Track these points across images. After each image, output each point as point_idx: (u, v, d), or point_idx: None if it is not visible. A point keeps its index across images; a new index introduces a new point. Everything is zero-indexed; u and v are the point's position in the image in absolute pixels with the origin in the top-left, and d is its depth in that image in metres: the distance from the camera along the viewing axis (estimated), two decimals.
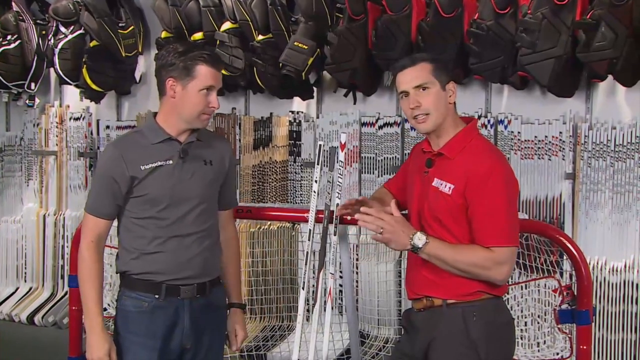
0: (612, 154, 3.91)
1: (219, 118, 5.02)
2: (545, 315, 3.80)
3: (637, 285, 3.85)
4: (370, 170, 4.64)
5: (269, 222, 4.69)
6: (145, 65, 5.55)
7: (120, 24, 5.20)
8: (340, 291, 4.18)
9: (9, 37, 5.39)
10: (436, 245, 2.32)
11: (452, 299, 2.37)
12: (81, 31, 5.21)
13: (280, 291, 4.67)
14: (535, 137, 4.09)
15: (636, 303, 3.84)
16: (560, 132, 4.02)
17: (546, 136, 4.06)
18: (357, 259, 4.47)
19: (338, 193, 2.99)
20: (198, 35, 4.86)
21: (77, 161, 5.67)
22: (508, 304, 3.75)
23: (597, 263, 3.93)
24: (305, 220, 3.10)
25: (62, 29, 5.23)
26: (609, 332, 3.89)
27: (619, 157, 3.89)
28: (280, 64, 4.46)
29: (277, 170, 4.93)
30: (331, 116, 4.74)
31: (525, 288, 3.87)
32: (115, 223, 2.58)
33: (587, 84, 4.00)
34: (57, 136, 5.76)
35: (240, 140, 5.02)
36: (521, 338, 3.85)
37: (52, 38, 5.27)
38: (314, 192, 3.04)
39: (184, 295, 2.54)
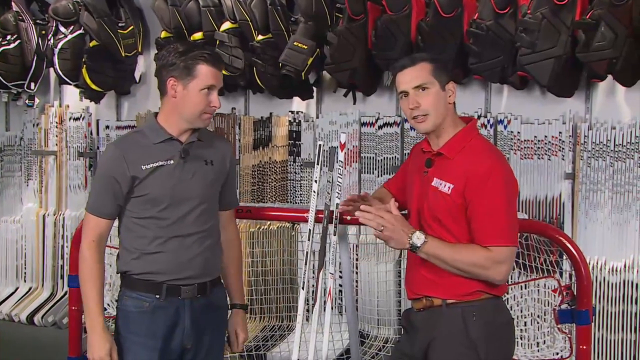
0: (611, 154, 3.91)
1: (219, 118, 5.02)
2: (545, 315, 3.80)
3: (636, 285, 3.85)
4: (370, 170, 4.64)
5: (268, 222, 4.69)
6: (145, 65, 5.55)
7: (119, 24, 5.20)
8: (340, 291, 4.18)
9: (8, 37, 5.39)
10: (435, 244, 2.33)
11: (451, 299, 2.37)
12: (81, 31, 5.20)
13: (280, 291, 4.67)
14: (535, 137, 4.09)
15: (636, 303, 3.84)
16: (560, 132, 4.02)
17: (546, 136, 4.06)
18: (356, 259, 4.47)
19: (338, 193, 2.99)
20: (198, 35, 4.86)
21: (76, 161, 5.67)
22: (508, 303, 3.75)
23: (597, 263, 3.93)
24: (305, 220, 3.09)
25: (62, 29, 5.23)
26: (609, 332, 3.89)
27: (618, 157, 3.89)
28: (280, 64, 4.46)
29: (277, 170, 4.93)
30: (331, 116, 4.74)
31: (525, 288, 3.87)
32: (115, 223, 2.58)
33: (586, 84, 4.00)
34: (56, 136, 5.76)
35: (239, 140, 5.02)
36: (521, 338, 3.86)
37: (52, 38, 5.27)
38: (314, 192, 3.04)
39: (184, 295, 2.54)
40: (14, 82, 5.47)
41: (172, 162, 2.50)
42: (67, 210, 5.69)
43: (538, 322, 3.84)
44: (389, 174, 4.45)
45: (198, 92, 2.47)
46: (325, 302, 3.05)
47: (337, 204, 2.95)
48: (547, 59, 3.72)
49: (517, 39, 3.79)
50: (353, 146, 4.65)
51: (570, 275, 3.45)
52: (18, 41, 5.40)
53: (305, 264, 3.11)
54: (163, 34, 5.01)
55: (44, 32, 5.42)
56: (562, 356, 3.63)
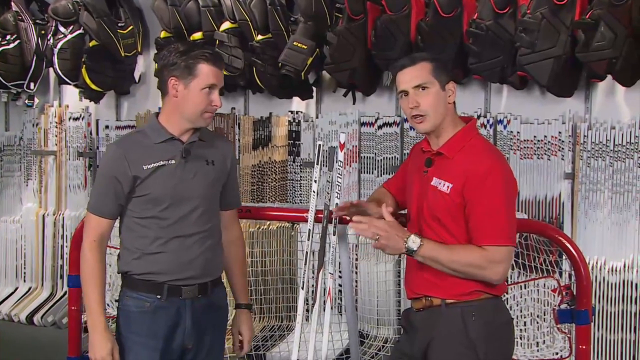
0: (611, 154, 3.91)
1: (218, 118, 5.02)
2: (544, 315, 3.80)
3: (636, 285, 3.85)
4: (370, 170, 4.64)
5: (268, 222, 4.68)
6: (144, 65, 5.55)
7: (119, 24, 5.20)
8: (340, 291, 4.18)
9: (8, 37, 5.39)
10: (431, 246, 2.33)
11: (451, 299, 2.37)
12: (80, 31, 5.21)
13: (280, 291, 4.67)
14: (535, 137, 4.09)
15: (635, 303, 3.84)
16: (560, 132, 4.02)
17: (545, 136, 4.06)
18: (356, 259, 4.47)
19: (337, 193, 2.99)
20: (197, 35, 4.86)
21: (76, 161, 5.67)
22: (507, 303, 3.75)
23: (597, 263, 3.93)
24: (305, 220, 3.10)
25: (62, 28, 5.23)
26: (608, 332, 3.89)
27: (618, 157, 3.89)
28: (280, 64, 4.46)
29: (277, 170, 4.93)
30: (330, 116, 4.74)
31: (525, 288, 3.87)
32: (116, 223, 2.58)
33: (586, 83, 4.00)
34: (56, 136, 5.76)
35: (239, 140, 5.02)
36: (520, 338, 3.86)
37: (52, 38, 5.27)
38: (313, 192, 3.04)
39: (185, 295, 2.54)
40: (13, 82, 5.47)
41: (173, 161, 2.50)
42: (67, 210, 5.69)
43: (538, 322, 3.84)
44: (389, 174, 4.45)
45: (199, 92, 2.47)
46: (324, 302, 3.05)
47: (337, 204, 2.95)
48: (546, 58, 3.72)
49: (517, 39, 3.79)
50: (353, 146, 4.65)
51: (570, 275, 3.45)
52: (17, 41, 5.40)
53: (305, 263, 3.11)
54: (162, 34, 5.01)
55: (43, 32, 5.43)
56: (561, 356, 3.64)
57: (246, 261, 2.87)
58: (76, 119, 5.69)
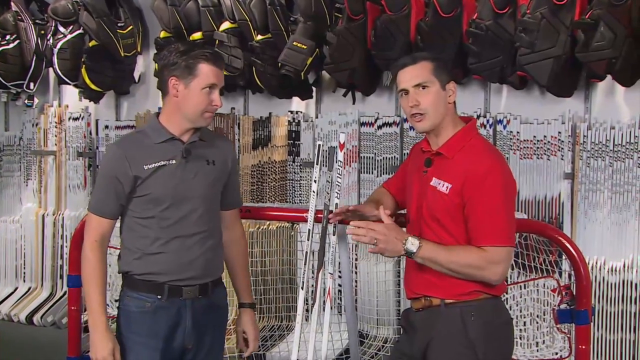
0: (611, 154, 3.91)
1: (218, 118, 5.02)
2: (544, 315, 3.81)
3: (636, 285, 3.85)
4: (369, 170, 4.64)
5: (268, 222, 4.68)
6: (144, 65, 5.55)
7: (119, 24, 5.20)
8: (340, 291, 4.18)
9: (7, 37, 5.39)
10: (430, 248, 2.32)
11: (450, 299, 2.37)
12: (80, 31, 5.20)
13: (279, 291, 4.67)
14: (534, 137, 4.09)
15: (635, 303, 3.84)
16: (559, 132, 4.02)
17: (545, 136, 4.06)
18: (356, 259, 4.47)
19: (337, 193, 2.99)
20: (197, 35, 4.86)
21: (76, 161, 5.67)
22: (507, 303, 3.75)
23: (596, 263, 3.93)
24: (305, 220, 3.10)
25: (61, 28, 5.23)
26: (608, 332, 3.89)
27: (617, 157, 3.89)
28: (279, 64, 4.46)
29: (276, 170, 4.93)
30: (330, 116, 4.74)
31: (524, 288, 3.87)
32: (117, 223, 2.58)
33: (586, 83, 4.00)
34: (56, 136, 5.76)
35: (239, 140, 5.02)
36: (520, 338, 3.86)
37: (51, 38, 5.27)
38: (313, 192, 3.04)
39: (186, 295, 2.54)
40: (13, 82, 5.47)
41: (174, 161, 2.51)
42: (67, 210, 5.69)
43: (537, 322, 3.85)
44: (388, 174, 4.45)
45: (200, 91, 2.47)
46: (324, 302, 3.05)
47: (337, 204, 2.95)
48: (546, 58, 3.72)
49: (517, 39, 3.79)
50: (352, 146, 4.65)
51: (570, 275, 3.45)
52: (17, 41, 5.40)
53: (305, 263, 3.11)
54: (162, 34, 5.01)
55: (43, 32, 5.42)
56: (561, 356, 3.64)
57: (248, 260, 2.87)
58: (76, 119, 5.69)
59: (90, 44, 5.16)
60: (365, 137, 4.64)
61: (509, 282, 3.73)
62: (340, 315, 4.21)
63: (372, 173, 4.62)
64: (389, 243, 2.33)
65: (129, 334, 2.54)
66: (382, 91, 4.63)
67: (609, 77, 3.76)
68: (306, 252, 3.11)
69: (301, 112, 4.92)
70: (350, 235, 2.38)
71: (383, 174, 4.55)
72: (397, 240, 2.32)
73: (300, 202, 4.79)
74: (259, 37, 4.62)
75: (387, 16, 4.17)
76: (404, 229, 2.46)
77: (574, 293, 2.84)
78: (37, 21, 5.49)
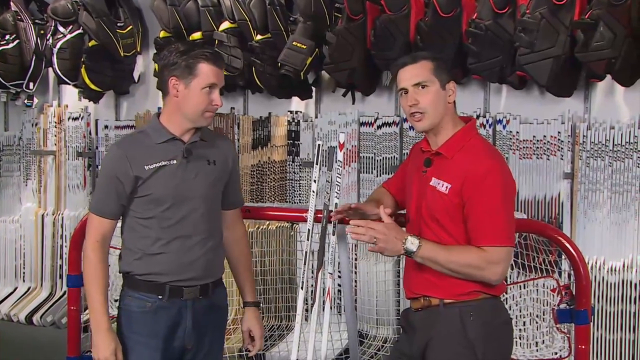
0: (610, 154, 3.91)
1: (218, 118, 5.02)
2: (543, 314, 3.81)
3: (635, 284, 3.85)
4: (369, 170, 4.64)
5: (267, 222, 4.69)
6: (143, 65, 5.55)
7: (118, 24, 5.19)
8: (339, 291, 4.18)
9: (7, 37, 5.38)
10: (429, 247, 2.32)
11: (449, 299, 2.37)
12: (80, 31, 5.20)
13: (279, 291, 4.67)
14: (534, 136, 4.09)
15: (635, 302, 3.85)
16: (559, 132, 4.02)
17: (545, 136, 4.06)
18: (355, 259, 4.47)
19: (337, 193, 2.99)
20: (197, 35, 4.86)
21: (75, 161, 5.66)
22: (506, 303, 3.75)
23: (596, 263, 3.93)
24: (304, 220, 3.10)
25: (61, 28, 5.23)
26: (608, 332, 3.89)
27: (617, 156, 3.90)
28: (279, 64, 4.46)
29: (276, 170, 4.93)
30: (330, 116, 4.74)
31: (524, 288, 3.87)
32: (118, 223, 2.58)
33: (585, 83, 4.00)
34: (55, 136, 5.75)
35: (239, 140, 5.02)
36: (520, 337, 3.86)
37: (51, 38, 5.27)
38: (313, 191, 3.04)
39: (187, 296, 2.55)
40: (12, 82, 5.47)
41: (174, 162, 2.51)
42: (66, 210, 5.69)
43: (537, 322, 3.85)
44: (388, 174, 4.45)
45: (200, 91, 2.47)
46: (324, 301, 3.05)
47: (336, 204, 2.95)
48: (545, 58, 3.72)
49: (516, 39, 3.79)
50: (352, 146, 4.65)
51: (569, 275, 3.45)
52: (17, 41, 5.39)
53: (304, 263, 3.11)
54: (162, 34, 5.00)
55: (42, 31, 5.42)
56: (560, 356, 3.64)
57: (251, 259, 2.88)
58: (75, 118, 5.69)
59: (90, 44, 5.16)
60: (365, 137, 4.64)
61: (508, 282, 3.73)
62: (340, 315, 4.21)
63: (372, 173, 4.62)
64: (389, 242, 2.33)
65: (130, 334, 2.54)
66: (382, 91, 4.63)
67: (608, 77, 3.76)
68: (306, 252, 3.11)
69: (301, 112, 4.92)
70: (350, 234, 2.38)
71: (383, 173, 4.55)
72: (396, 239, 2.32)
73: (300, 202, 4.79)
74: (259, 37, 4.62)
75: (386, 16, 4.16)
76: (404, 229, 2.46)
77: (574, 293, 2.84)
78: (36, 21, 5.49)
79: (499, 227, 2.30)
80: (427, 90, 2.38)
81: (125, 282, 2.59)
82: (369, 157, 4.63)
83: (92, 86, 5.24)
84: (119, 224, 2.59)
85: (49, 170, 5.79)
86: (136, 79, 5.53)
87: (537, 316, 3.84)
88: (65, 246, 5.53)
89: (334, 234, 3.00)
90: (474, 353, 2.33)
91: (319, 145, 3.15)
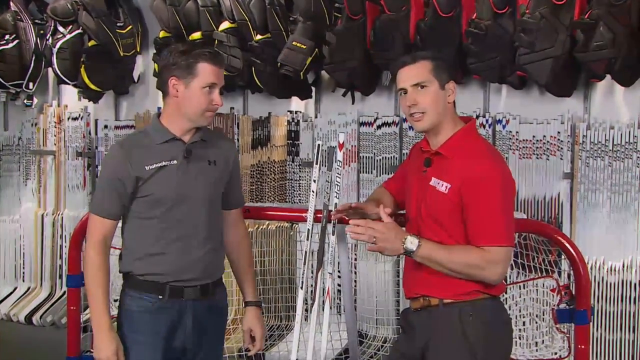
0: (610, 154, 3.91)
1: (217, 118, 5.02)
2: (543, 314, 3.81)
3: (635, 284, 3.85)
4: (369, 170, 4.64)
5: (267, 222, 4.69)
6: (143, 65, 5.55)
7: (118, 24, 5.19)
8: (339, 291, 4.18)
9: (6, 37, 5.38)
10: (429, 247, 2.32)
11: (448, 299, 2.37)
12: (79, 31, 5.20)
13: (279, 291, 4.67)
14: (534, 136, 4.09)
15: (634, 303, 3.84)
16: (559, 132, 4.02)
17: (544, 136, 4.06)
18: (355, 259, 4.47)
19: (336, 193, 2.99)
20: (196, 35, 4.86)
21: (75, 161, 5.66)
22: (506, 303, 3.76)
23: (595, 263, 3.93)
24: (304, 220, 3.10)
25: (60, 28, 5.23)
26: (607, 332, 3.89)
27: (617, 156, 3.89)
28: (279, 64, 4.46)
29: (276, 170, 4.93)
30: (329, 116, 4.74)
31: (524, 288, 3.87)
32: (119, 223, 2.59)
33: (585, 83, 4.00)
34: (55, 136, 5.76)
35: (238, 140, 5.02)
36: (519, 337, 3.86)
37: (50, 38, 5.27)
38: (313, 191, 3.04)
39: (187, 296, 2.55)
40: (12, 82, 5.46)
41: (175, 162, 2.51)
42: (66, 210, 5.69)
43: (536, 322, 3.85)
44: (388, 174, 4.45)
45: (200, 91, 2.47)
46: (323, 301, 3.05)
47: (336, 204, 2.95)
48: (545, 58, 3.72)
49: (516, 39, 3.79)
50: (352, 146, 4.65)
51: (569, 275, 3.45)
52: (16, 41, 5.39)
53: (304, 263, 3.11)
54: (162, 34, 5.00)
55: (42, 31, 5.42)
56: (560, 356, 3.64)
57: (253, 259, 2.88)
58: (75, 118, 5.69)
59: (90, 44, 5.16)
60: (365, 137, 4.64)
61: (508, 282, 3.74)
62: (340, 315, 4.21)
63: (372, 173, 4.62)
64: (388, 241, 2.33)
65: (130, 334, 2.54)
66: (382, 91, 4.63)
67: (608, 76, 3.75)
68: (305, 252, 3.11)
69: (300, 112, 4.91)
70: (350, 234, 2.38)
71: (382, 173, 4.55)
72: (396, 238, 2.33)
73: (300, 202, 4.79)
74: (259, 37, 4.62)
75: (386, 16, 4.17)
76: (404, 228, 2.46)
77: (573, 293, 2.84)
78: (36, 21, 5.48)
79: (499, 227, 2.30)
80: (426, 90, 2.38)
81: (126, 282, 2.60)
82: (369, 157, 4.63)
83: (92, 86, 5.24)
84: (120, 224, 2.59)
85: (49, 170, 5.79)
86: (136, 79, 5.53)
87: (536, 316, 3.84)
88: (65, 246, 5.52)
89: (333, 234, 3.00)
90: (473, 353, 2.33)
91: (318, 145, 3.15)
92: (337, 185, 3.00)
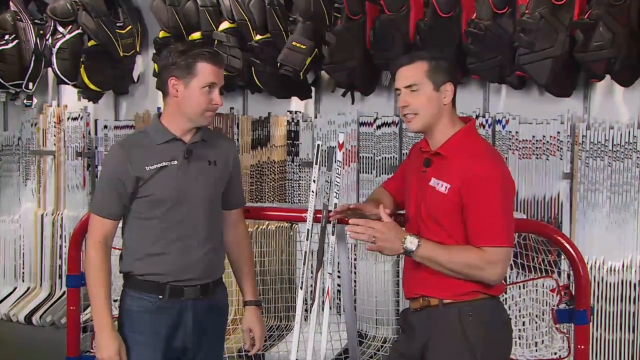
0: (609, 154, 3.91)
1: (217, 118, 5.02)
2: (543, 314, 3.81)
3: (635, 284, 3.85)
4: (368, 170, 4.64)
5: (267, 222, 4.69)
6: (143, 65, 5.55)
7: (118, 24, 5.19)
8: (339, 291, 4.18)
9: (6, 37, 5.38)
10: (429, 247, 2.32)
11: (448, 299, 2.37)
12: (79, 31, 5.20)
13: (279, 291, 4.67)
14: (533, 136, 4.09)
15: (634, 303, 3.85)
16: (558, 132, 4.02)
17: (544, 136, 4.06)
18: (355, 259, 4.47)
19: (336, 193, 2.99)
20: (196, 35, 4.86)
21: (75, 161, 5.66)
22: (506, 303, 3.76)
23: (595, 263, 3.93)
24: (304, 220, 3.10)
25: (60, 28, 5.23)
26: (607, 332, 3.89)
27: (616, 157, 3.90)
28: (278, 64, 4.46)
29: (275, 170, 4.93)
30: (329, 116, 4.74)
31: (523, 288, 3.87)
32: (119, 223, 2.59)
33: (585, 83, 4.00)
34: (55, 136, 5.76)
35: (238, 140, 5.02)
36: (519, 338, 3.86)
37: (50, 38, 5.27)
38: (312, 191, 3.04)
39: (187, 296, 2.55)
40: (12, 82, 5.46)
41: (175, 162, 2.51)
42: (66, 210, 5.69)
43: (536, 322, 3.85)
44: (388, 174, 4.45)
45: (199, 90, 2.47)
46: (323, 302, 3.05)
47: (336, 204, 2.95)
48: (545, 58, 3.72)
49: (516, 39, 3.79)
50: (351, 146, 4.65)
51: (569, 275, 3.45)
52: (16, 41, 5.39)
53: (304, 264, 3.11)
54: (161, 34, 5.00)
55: (42, 31, 5.42)
56: (560, 356, 3.64)
57: (253, 259, 2.88)
58: (75, 118, 5.69)
59: (89, 44, 5.16)
60: (364, 137, 4.64)
61: (508, 282, 3.74)
62: (340, 315, 4.21)
63: (371, 173, 4.62)
64: (388, 241, 2.33)
65: (131, 334, 2.55)
66: (381, 91, 4.63)
67: (607, 77, 3.75)
68: (305, 252, 3.11)
69: (300, 112, 4.92)
70: (349, 233, 2.38)
71: (382, 174, 4.55)
72: (396, 238, 2.33)
73: (299, 202, 4.79)
74: (258, 37, 4.62)
75: (386, 16, 4.16)
76: (403, 228, 2.46)
77: (573, 293, 2.84)
78: (36, 21, 5.48)
79: (498, 228, 2.30)
80: (419, 92, 2.38)
81: (126, 282, 2.60)
82: (369, 157, 4.63)
83: (92, 86, 5.25)
84: (120, 224, 2.59)
85: (49, 170, 5.80)
86: (135, 79, 5.53)
87: (536, 316, 3.84)
88: (65, 246, 5.53)
89: (333, 234, 3.00)
90: (473, 353, 2.33)
91: (318, 145, 3.15)
92: (337, 185, 3.00)
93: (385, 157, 4.56)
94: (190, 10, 4.86)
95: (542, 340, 3.83)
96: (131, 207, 2.52)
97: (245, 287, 2.78)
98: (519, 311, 3.86)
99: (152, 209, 2.50)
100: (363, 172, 4.66)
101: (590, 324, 2.95)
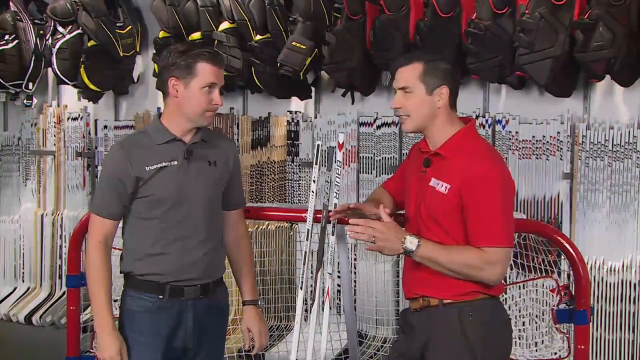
0: (609, 154, 3.91)
1: (217, 118, 5.02)
2: (543, 315, 3.81)
3: (634, 284, 3.85)
4: (368, 170, 4.64)
5: (267, 222, 4.69)
6: (143, 65, 5.55)
7: (118, 24, 5.20)
8: (339, 291, 4.18)
9: (6, 37, 5.38)
10: (429, 247, 2.32)
11: (448, 299, 2.37)
12: (79, 31, 5.20)
13: (279, 291, 4.67)
14: (533, 137, 4.09)
15: (634, 303, 3.85)
16: (558, 132, 4.02)
17: (544, 136, 4.06)
18: (355, 259, 4.48)
19: (336, 193, 2.99)
20: (196, 35, 4.86)
21: (75, 161, 5.67)
22: (506, 303, 3.76)
23: (595, 263, 3.93)
24: (304, 220, 3.10)
25: (60, 28, 5.23)
26: (607, 332, 3.89)
27: (616, 157, 3.90)
28: (278, 64, 4.46)
29: (275, 170, 4.93)
30: (329, 116, 4.74)
31: (523, 288, 3.87)
32: (119, 224, 2.59)
33: (584, 83, 4.00)
34: (54, 136, 5.76)
35: (238, 140, 5.02)
36: (519, 338, 3.86)
37: (50, 38, 5.27)
38: (312, 192, 3.04)
39: (187, 296, 2.55)
40: (11, 82, 5.46)
41: (175, 162, 2.51)
42: (65, 210, 5.69)
43: (536, 322, 3.85)
44: (387, 174, 4.45)
45: (199, 90, 2.47)
46: (323, 302, 3.05)
47: (336, 204, 2.95)
48: (545, 58, 3.72)
49: (515, 39, 3.79)
50: (351, 146, 4.65)
51: (569, 275, 3.45)
52: (16, 41, 5.39)
53: (304, 264, 3.11)
54: (161, 34, 5.00)
55: (42, 32, 5.42)
56: (560, 356, 3.64)
57: (253, 259, 2.88)
58: (75, 119, 5.69)
59: (89, 44, 5.17)
60: (364, 137, 4.64)
61: (508, 282, 3.74)
62: (339, 315, 4.21)
63: (371, 173, 4.62)
64: (388, 241, 2.33)
65: (131, 334, 2.54)
66: (381, 91, 4.63)
67: (607, 77, 3.75)
68: (305, 252, 3.11)
69: (300, 112, 4.92)
70: (349, 233, 2.38)
71: (382, 174, 4.55)
72: (395, 238, 2.33)
73: (299, 202, 4.79)
74: (258, 37, 4.62)
75: (386, 16, 4.17)
76: (403, 228, 2.46)
77: (573, 293, 2.84)
78: (35, 21, 5.49)
79: (498, 228, 2.30)
80: (411, 95, 2.38)
81: (126, 282, 2.60)
82: (369, 157, 4.63)
83: (92, 86, 5.25)
84: (120, 225, 2.59)
85: (49, 171, 5.80)
86: (135, 79, 5.53)
87: (536, 316, 3.84)
88: (65, 246, 5.53)
89: (333, 234, 3.00)
90: (473, 353, 2.33)
91: (318, 145, 3.15)
92: (337, 185, 3.00)
93: (385, 157, 4.56)
94: (190, 10, 4.86)
95: (542, 340, 3.83)
96: (131, 207, 2.52)
97: (244, 286, 2.78)
98: (519, 311, 3.86)
99: (152, 209, 2.50)
100: (363, 172, 4.66)
101: (590, 324, 2.95)
